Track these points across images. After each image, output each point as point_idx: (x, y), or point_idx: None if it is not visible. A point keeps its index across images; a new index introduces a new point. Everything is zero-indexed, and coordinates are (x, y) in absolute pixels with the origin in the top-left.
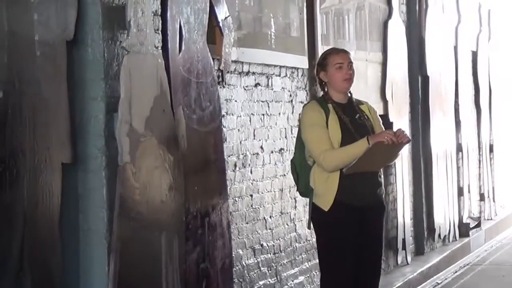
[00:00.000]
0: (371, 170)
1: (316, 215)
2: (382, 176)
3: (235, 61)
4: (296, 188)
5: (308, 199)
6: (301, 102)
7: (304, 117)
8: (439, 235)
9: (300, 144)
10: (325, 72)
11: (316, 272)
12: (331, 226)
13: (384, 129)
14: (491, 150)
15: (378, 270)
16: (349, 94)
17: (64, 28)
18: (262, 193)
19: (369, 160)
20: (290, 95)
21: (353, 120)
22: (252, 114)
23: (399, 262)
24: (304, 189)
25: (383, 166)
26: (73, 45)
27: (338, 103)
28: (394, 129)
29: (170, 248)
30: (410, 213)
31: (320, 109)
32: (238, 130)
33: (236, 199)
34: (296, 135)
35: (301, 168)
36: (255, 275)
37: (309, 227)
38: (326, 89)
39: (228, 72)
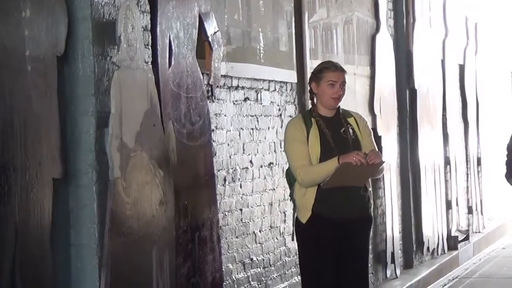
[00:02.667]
0: (353, 185)
1: (297, 228)
2: (370, 189)
3: (224, 76)
4: (290, 198)
5: None
6: (290, 116)
7: (285, 133)
8: (428, 248)
9: None
10: (317, 84)
11: None
12: (309, 238)
13: (373, 142)
14: (478, 163)
15: (365, 282)
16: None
17: (55, 44)
18: (251, 207)
19: (344, 177)
20: (279, 109)
21: (336, 134)
22: (241, 128)
23: (388, 275)
24: None
25: (365, 181)
26: (63, 60)
27: (324, 116)
28: (383, 144)
29: (160, 263)
30: (398, 227)
31: (302, 124)
32: (228, 144)
33: (226, 213)
34: None
35: (294, 178)
36: None
37: (293, 239)
38: (315, 101)
39: (217, 86)
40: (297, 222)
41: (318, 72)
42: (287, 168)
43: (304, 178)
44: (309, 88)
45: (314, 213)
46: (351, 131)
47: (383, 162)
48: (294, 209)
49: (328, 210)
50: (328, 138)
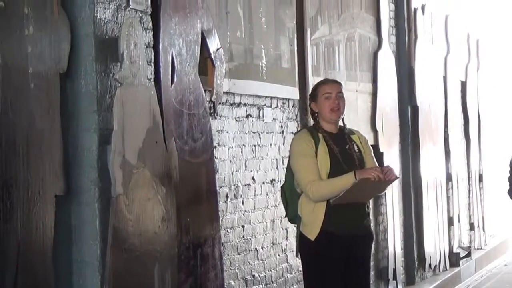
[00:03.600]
0: (359, 201)
1: (303, 244)
2: (370, 206)
3: (226, 93)
4: (285, 215)
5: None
6: (292, 133)
7: (293, 146)
8: (430, 265)
9: (290, 171)
10: (315, 102)
11: None
12: (318, 255)
13: (374, 159)
14: (480, 179)
15: None
16: (341, 124)
17: (58, 61)
18: (253, 224)
19: (356, 193)
20: (281, 126)
21: (343, 150)
22: (243, 145)
23: None
24: (293, 216)
25: (371, 198)
26: (66, 77)
27: (329, 132)
28: (385, 161)
29: (162, 280)
30: (400, 243)
31: (310, 139)
32: (230, 161)
33: (228, 230)
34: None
35: (290, 195)
36: None
37: (297, 255)
38: (317, 120)
39: (219, 103)
40: (302, 238)
41: (314, 91)
42: (282, 185)
43: (317, 193)
44: (310, 110)
45: (323, 230)
46: (355, 147)
47: (398, 177)
48: (298, 225)
49: (337, 226)
50: (337, 154)
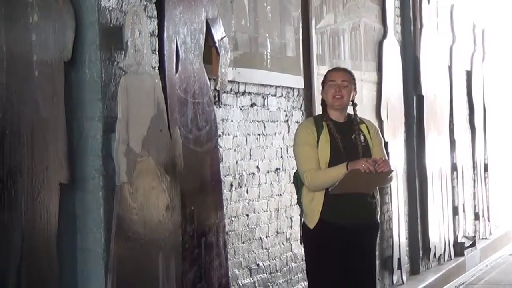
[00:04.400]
0: (361, 192)
1: (304, 232)
2: (378, 196)
3: (231, 81)
4: (297, 201)
5: None
6: (297, 122)
7: (296, 135)
8: (435, 255)
9: None
10: (324, 90)
11: None
12: (316, 243)
13: (384, 151)
14: (485, 169)
15: None
16: (351, 112)
17: (62, 49)
18: (258, 212)
19: (352, 184)
20: (286, 115)
21: (347, 140)
22: (248, 134)
23: (394, 281)
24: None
25: (372, 189)
26: (71, 65)
27: (335, 121)
28: (390, 150)
29: (167, 268)
30: (405, 233)
31: (313, 128)
32: (234, 150)
33: (232, 218)
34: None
35: (302, 182)
36: None
37: (301, 243)
38: (326, 108)
39: (224, 92)
40: (304, 227)
41: (324, 78)
42: (295, 171)
43: (312, 182)
44: (321, 99)
45: (322, 219)
46: (362, 137)
47: (392, 171)
48: (301, 214)
49: (336, 216)
50: (338, 143)
